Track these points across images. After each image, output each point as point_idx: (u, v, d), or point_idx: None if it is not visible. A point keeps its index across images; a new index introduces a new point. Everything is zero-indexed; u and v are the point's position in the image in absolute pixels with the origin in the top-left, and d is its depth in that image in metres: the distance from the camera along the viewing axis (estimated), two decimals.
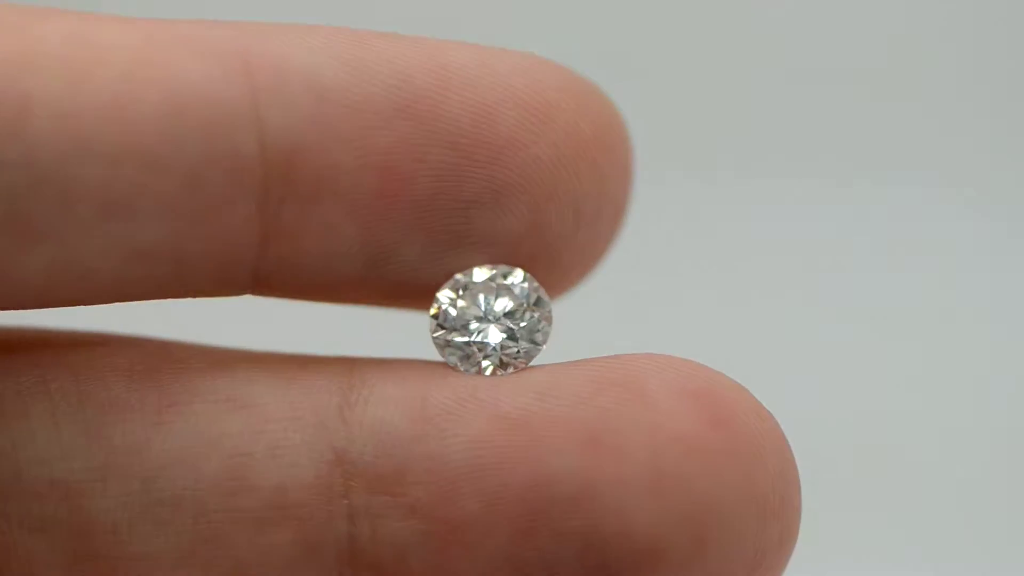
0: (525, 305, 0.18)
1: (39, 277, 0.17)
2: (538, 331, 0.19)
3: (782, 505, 0.18)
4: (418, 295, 0.19)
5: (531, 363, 0.19)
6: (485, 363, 0.18)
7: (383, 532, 0.18)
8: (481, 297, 0.18)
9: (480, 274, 0.18)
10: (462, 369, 0.18)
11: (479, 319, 0.18)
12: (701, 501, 0.17)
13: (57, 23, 0.16)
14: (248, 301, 0.19)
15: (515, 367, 0.18)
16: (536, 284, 0.18)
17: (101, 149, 0.16)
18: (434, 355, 0.19)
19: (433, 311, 0.18)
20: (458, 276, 0.18)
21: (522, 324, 0.18)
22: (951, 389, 0.44)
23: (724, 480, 0.17)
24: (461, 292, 0.18)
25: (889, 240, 0.46)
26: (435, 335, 0.19)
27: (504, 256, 0.18)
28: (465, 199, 0.18)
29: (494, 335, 0.18)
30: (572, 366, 0.18)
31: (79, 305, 0.17)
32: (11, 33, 0.16)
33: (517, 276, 0.18)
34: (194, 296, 0.18)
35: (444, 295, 0.18)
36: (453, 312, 0.18)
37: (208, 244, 0.17)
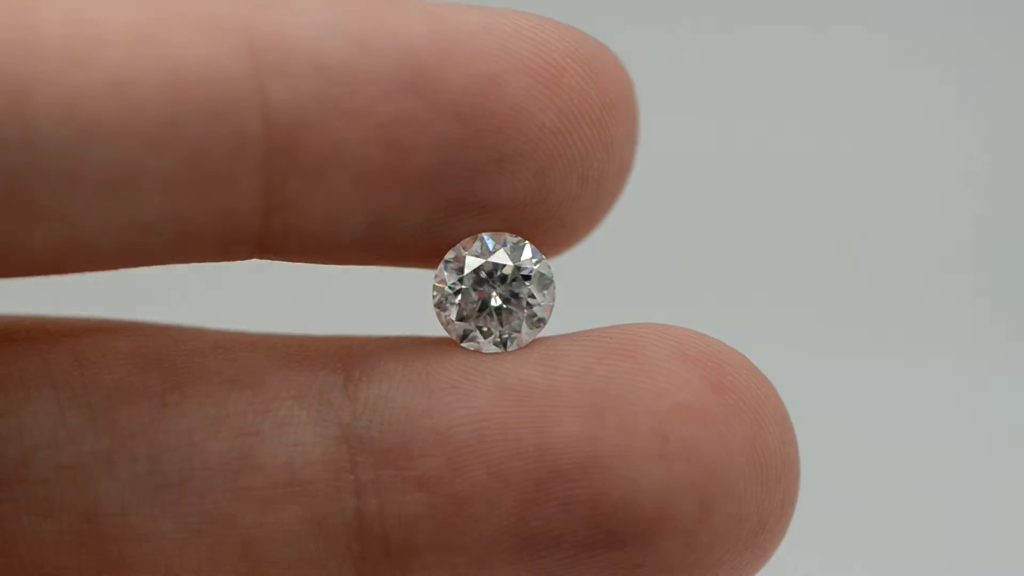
0: (530, 283, 0.18)
1: (41, 250, 0.17)
2: (541, 307, 0.19)
3: (784, 468, 0.18)
4: (423, 256, 0.18)
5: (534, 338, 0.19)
6: (487, 340, 0.18)
7: (391, 506, 0.18)
8: (484, 273, 0.18)
9: (484, 245, 0.18)
10: (465, 345, 0.19)
11: (482, 295, 0.18)
12: (707, 466, 0.17)
13: (58, 4, 0.16)
14: (255, 266, 0.19)
15: (518, 345, 0.19)
16: (541, 258, 0.18)
17: (103, 130, 0.16)
18: (437, 326, 0.19)
19: (435, 285, 0.19)
20: (461, 247, 0.18)
21: (525, 302, 0.19)
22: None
23: (728, 445, 0.18)
24: (464, 266, 0.18)
25: (889, 224, 0.46)
26: (438, 310, 0.19)
27: (508, 219, 0.18)
28: (470, 168, 0.17)
29: (497, 311, 0.18)
30: (573, 337, 0.18)
31: (81, 272, 0.17)
32: (11, 15, 0.16)
33: (523, 251, 0.18)
34: (198, 262, 0.18)
35: (447, 269, 0.18)
36: (456, 287, 0.18)
37: (211, 218, 0.17)
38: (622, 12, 0.45)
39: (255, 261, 0.18)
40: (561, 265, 0.19)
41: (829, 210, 0.46)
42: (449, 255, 0.18)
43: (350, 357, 0.19)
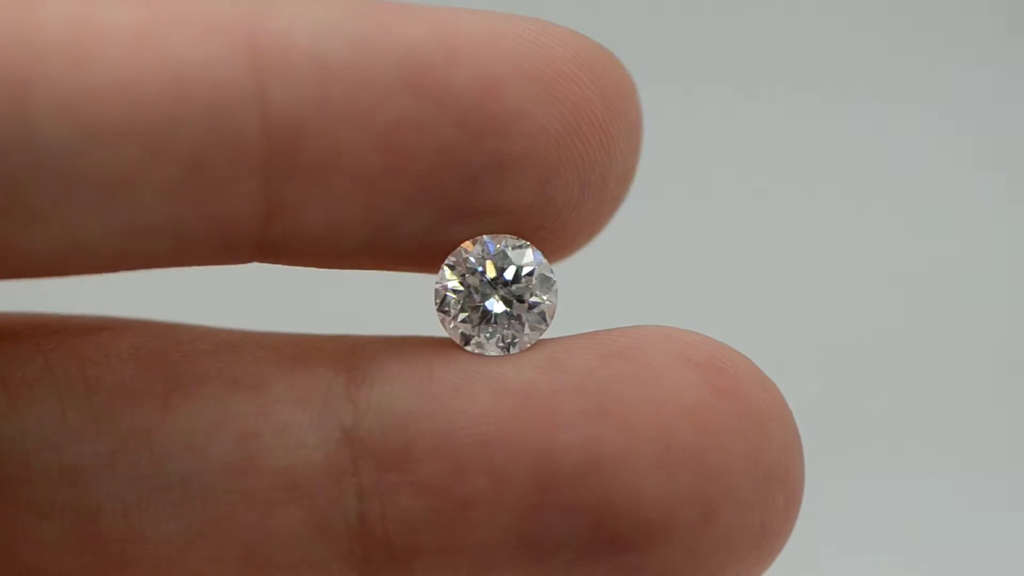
0: (532, 285, 0.18)
1: (39, 253, 0.17)
2: (543, 309, 0.19)
3: (787, 474, 0.18)
4: (424, 261, 0.18)
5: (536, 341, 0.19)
6: (490, 342, 0.18)
7: (392, 510, 0.18)
8: (487, 275, 0.18)
9: (486, 248, 0.18)
10: (467, 347, 0.18)
11: (484, 297, 0.18)
12: (709, 472, 0.17)
13: (58, 5, 0.16)
14: (255, 267, 0.19)
15: (520, 347, 0.18)
16: (543, 260, 0.18)
17: (103, 132, 0.16)
18: (439, 329, 0.19)
19: (437, 287, 0.18)
20: (463, 249, 0.18)
21: (528, 304, 0.18)
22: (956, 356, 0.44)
23: (731, 451, 0.17)
24: (466, 269, 0.18)
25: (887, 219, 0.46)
26: (440, 312, 0.19)
27: (510, 224, 0.18)
28: (471, 173, 0.17)
29: (499, 313, 0.18)
30: (576, 339, 0.18)
31: (79, 275, 0.17)
32: (12, 17, 0.16)
33: (525, 254, 0.18)
34: (197, 265, 0.18)
35: (449, 271, 0.18)
36: (458, 290, 0.18)
37: (211, 221, 0.17)
38: (626, 15, 0.45)
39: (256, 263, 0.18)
40: (565, 266, 0.19)
41: (834, 215, 0.46)
42: (451, 257, 0.18)
43: (352, 358, 0.19)
